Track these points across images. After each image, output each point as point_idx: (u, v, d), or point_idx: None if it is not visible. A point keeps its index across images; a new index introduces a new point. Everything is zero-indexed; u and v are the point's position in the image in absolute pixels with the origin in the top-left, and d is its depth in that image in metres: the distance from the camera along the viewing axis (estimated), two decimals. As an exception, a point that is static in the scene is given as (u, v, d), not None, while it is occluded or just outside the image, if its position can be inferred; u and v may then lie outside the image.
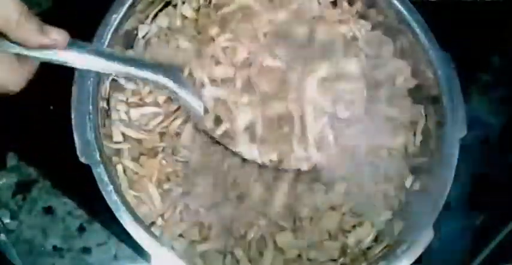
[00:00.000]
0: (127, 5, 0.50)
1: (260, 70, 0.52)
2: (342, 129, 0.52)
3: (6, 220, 0.54)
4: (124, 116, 0.52)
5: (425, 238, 0.48)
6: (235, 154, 0.51)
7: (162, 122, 0.52)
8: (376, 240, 0.52)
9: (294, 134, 0.51)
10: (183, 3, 0.56)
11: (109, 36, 0.49)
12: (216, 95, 0.51)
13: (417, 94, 0.55)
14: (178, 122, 0.52)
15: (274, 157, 0.51)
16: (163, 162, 0.51)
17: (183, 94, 0.47)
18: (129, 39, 0.54)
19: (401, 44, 0.56)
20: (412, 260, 0.47)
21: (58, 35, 0.36)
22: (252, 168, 0.51)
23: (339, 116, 0.52)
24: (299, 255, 0.51)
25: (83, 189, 0.51)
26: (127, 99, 0.52)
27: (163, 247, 0.44)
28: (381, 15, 0.56)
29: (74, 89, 0.47)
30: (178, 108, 0.52)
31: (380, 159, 0.53)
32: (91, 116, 0.46)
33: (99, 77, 0.48)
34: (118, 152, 0.51)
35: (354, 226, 0.52)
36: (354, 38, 0.57)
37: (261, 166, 0.51)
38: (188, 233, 0.50)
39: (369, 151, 0.53)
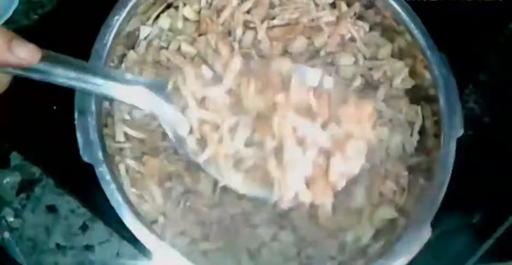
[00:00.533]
0: (129, 7, 0.50)
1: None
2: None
3: (10, 219, 0.54)
4: (126, 116, 0.52)
5: (423, 236, 0.48)
6: None
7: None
8: (374, 238, 0.52)
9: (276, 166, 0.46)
10: (185, 5, 0.56)
11: (111, 37, 0.49)
12: (201, 117, 0.47)
13: (414, 94, 0.56)
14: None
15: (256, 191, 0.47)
16: (165, 161, 0.51)
17: (162, 113, 0.46)
18: (131, 41, 0.55)
19: (399, 44, 0.56)
20: (410, 258, 0.48)
21: (26, 54, 0.36)
22: None
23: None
24: (298, 253, 0.51)
25: (86, 188, 0.52)
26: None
27: (164, 245, 0.45)
28: (378, 16, 0.57)
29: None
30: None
31: (377, 158, 0.54)
32: (94, 116, 0.47)
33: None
34: (120, 151, 0.51)
35: (352, 224, 0.52)
36: (352, 39, 0.57)
37: None
38: (189, 231, 0.50)
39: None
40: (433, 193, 0.50)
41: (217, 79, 0.47)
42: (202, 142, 0.46)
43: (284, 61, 0.48)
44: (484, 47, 0.66)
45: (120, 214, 0.45)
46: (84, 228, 0.54)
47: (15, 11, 0.60)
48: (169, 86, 0.47)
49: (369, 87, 0.56)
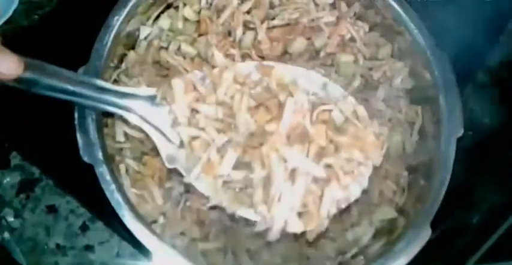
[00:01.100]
0: (129, 7, 0.50)
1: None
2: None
3: (10, 219, 0.54)
4: (127, 116, 0.52)
5: (422, 236, 0.48)
6: None
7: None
8: (374, 238, 0.52)
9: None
10: (185, 5, 0.56)
11: (111, 37, 0.49)
12: (191, 134, 0.47)
13: (414, 94, 0.56)
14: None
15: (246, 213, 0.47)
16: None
17: (148, 127, 0.46)
18: (131, 41, 0.55)
19: (399, 45, 0.56)
20: (410, 258, 0.48)
21: (6, 67, 0.37)
22: None
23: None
24: (298, 253, 0.51)
25: (86, 188, 0.52)
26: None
27: (164, 245, 0.45)
28: (378, 17, 0.57)
29: (77, 89, 0.47)
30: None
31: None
32: (94, 116, 0.47)
33: (102, 76, 0.49)
34: (120, 152, 0.51)
35: (352, 225, 0.52)
36: (352, 39, 0.57)
37: None
38: (189, 231, 0.50)
39: None
40: (433, 193, 0.50)
41: (210, 90, 0.47)
42: (193, 158, 0.46)
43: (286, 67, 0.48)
44: (484, 47, 0.66)
45: (120, 214, 0.45)
46: (84, 228, 0.55)
47: (15, 11, 0.60)
48: (158, 98, 0.47)
49: (369, 87, 0.56)
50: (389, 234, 0.51)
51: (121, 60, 0.54)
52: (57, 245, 0.54)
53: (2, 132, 0.56)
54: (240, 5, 0.56)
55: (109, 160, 0.46)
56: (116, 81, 0.53)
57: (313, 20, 0.57)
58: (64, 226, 0.54)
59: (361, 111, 0.50)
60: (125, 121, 0.52)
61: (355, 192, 0.47)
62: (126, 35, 0.52)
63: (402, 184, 0.54)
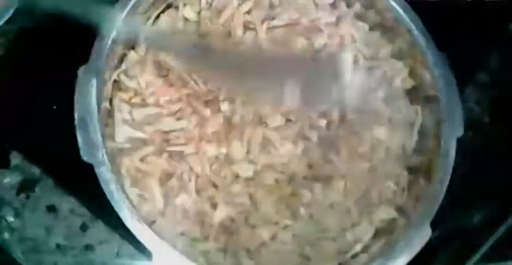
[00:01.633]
0: (129, 7, 0.50)
1: None
2: None
3: (10, 219, 0.54)
4: (127, 116, 0.52)
5: (423, 236, 0.48)
6: None
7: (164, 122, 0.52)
8: (374, 238, 0.52)
9: None
10: (185, 5, 0.56)
11: (111, 37, 0.49)
12: None
13: (414, 94, 0.56)
14: (180, 122, 0.52)
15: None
16: (166, 161, 0.51)
17: None
18: (131, 41, 0.55)
19: (399, 45, 0.56)
20: (410, 258, 0.48)
21: None
22: None
23: None
24: (298, 253, 0.51)
25: (86, 188, 0.51)
26: (130, 99, 0.53)
27: (164, 245, 0.45)
28: (378, 17, 0.57)
29: (77, 89, 0.47)
30: (180, 109, 0.52)
31: (377, 158, 0.54)
32: (94, 116, 0.47)
33: (102, 76, 0.49)
34: (121, 151, 0.51)
35: (352, 225, 0.53)
36: (352, 40, 0.57)
37: None
38: (190, 231, 0.50)
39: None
40: (433, 193, 0.50)
41: None
42: None
43: None
44: (484, 47, 0.66)
45: (120, 214, 0.45)
46: (84, 228, 0.55)
47: (15, 11, 0.60)
48: None
49: (369, 87, 0.56)
50: (389, 234, 0.51)
51: (121, 60, 0.54)
52: (57, 245, 0.54)
53: (2, 132, 0.56)
54: (240, 5, 0.56)
55: (109, 160, 0.46)
56: (115, 81, 0.53)
57: (313, 20, 0.57)
58: (64, 226, 0.54)
59: None
60: (125, 121, 0.52)
61: None
62: (126, 35, 0.52)
63: (402, 184, 0.54)
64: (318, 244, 0.51)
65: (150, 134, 0.51)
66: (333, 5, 0.58)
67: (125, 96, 0.52)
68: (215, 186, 0.52)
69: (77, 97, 0.47)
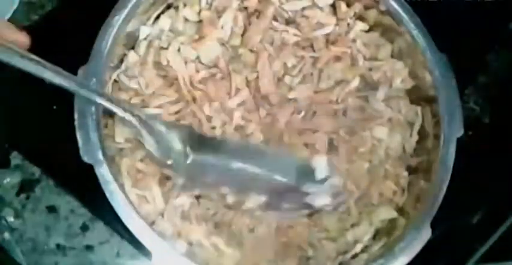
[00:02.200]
0: (129, 7, 0.50)
1: None
2: None
3: (10, 219, 0.54)
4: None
5: (422, 236, 0.48)
6: None
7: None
8: (374, 238, 0.52)
9: None
10: (185, 5, 0.56)
11: (111, 37, 0.49)
12: None
13: (414, 95, 0.56)
14: (180, 122, 0.52)
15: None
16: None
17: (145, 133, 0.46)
18: (131, 41, 0.55)
19: (399, 45, 0.56)
20: (410, 258, 0.48)
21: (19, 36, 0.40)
22: None
23: None
24: (298, 253, 0.51)
25: (86, 188, 0.52)
26: (130, 99, 0.53)
27: (164, 246, 0.45)
28: (378, 17, 0.57)
29: (77, 89, 0.47)
30: (180, 110, 0.52)
31: (377, 158, 0.54)
32: (94, 116, 0.47)
33: (102, 76, 0.49)
34: (121, 152, 0.51)
35: (352, 225, 0.53)
36: (352, 40, 0.57)
37: None
38: (189, 231, 0.50)
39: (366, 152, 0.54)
40: (433, 193, 0.50)
41: None
42: None
43: None
44: (484, 47, 0.66)
45: (120, 214, 0.45)
46: (84, 228, 0.55)
47: (15, 11, 0.60)
48: None
49: (369, 87, 0.56)
50: (389, 234, 0.51)
51: (121, 60, 0.54)
52: (57, 245, 0.54)
53: (2, 132, 0.56)
54: (241, 6, 0.56)
55: (109, 160, 0.46)
56: (115, 82, 0.53)
57: (313, 20, 0.57)
58: (64, 226, 0.54)
59: None
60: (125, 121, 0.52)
61: None
62: (126, 35, 0.52)
63: (402, 184, 0.54)
64: (318, 244, 0.51)
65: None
66: (333, 5, 0.58)
67: (125, 96, 0.52)
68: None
69: (76, 97, 0.47)
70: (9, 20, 0.59)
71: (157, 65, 0.53)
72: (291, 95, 0.54)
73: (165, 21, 0.56)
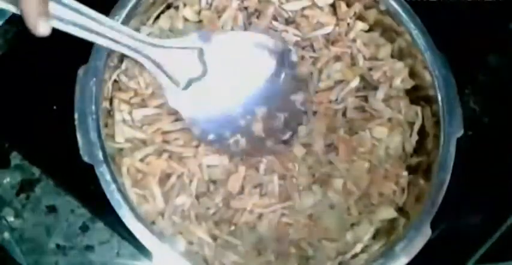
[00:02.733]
0: (129, 7, 0.50)
1: None
2: None
3: (10, 219, 0.54)
4: (127, 116, 0.52)
5: (423, 236, 0.48)
6: None
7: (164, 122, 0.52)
8: (374, 238, 0.52)
9: None
10: (185, 5, 0.56)
11: (111, 37, 0.49)
12: None
13: (414, 94, 0.56)
14: (180, 122, 0.52)
15: None
16: (166, 161, 0.51)
17: (154, 69, 0.47)
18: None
19: (399, 45, 0.56)
20: (410, 258, 0.48)
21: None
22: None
23: None
24: (298, 253, 0.51)
25: (86, 188, 0.52)
26: (130, 99, 0.53)
27: (165, 246, 0.45)
28: (378, 17, 0.57)
29: (77, 89, 0.47)
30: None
31: (377, 158, 0.54)
32: (94, 116, 0.47)
33: (102, 76, 0.49)
34: (121, 152, 0.51)
35: (352, 225, 0.53)
36: (352, 40, 0.57)
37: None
38: (189, 231, 0.50)
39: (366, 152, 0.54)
40: (433, 193, 0.50)
41: None
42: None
43: None
44: (484, 47, 0.66)
45: (120, 214, 0.45)
46: (84, 228, 0.55)
47: (15, 11, 0.60)
48: None
49: (369, 87, 0.56)
50: (389, 234, 0.51)
51: (121, 60, 0.54)
52: (57, 245, 0.54)
53: (2, 132, 0.56)
54: (241, 5, 0.56)
55: (109, 160, 0.46)
56: (115, 82, 0.53)
57: (313, 20, 0.57)
58: (64, 226, 0.54)
59: None
60: (125, 121, 0.52)
61: None
62: (126, 35, 0.52)
63: (402, 184, 0.54)
64: (318, 244, 0.51)
65: (150, 134, 0.51)
66: (333, 5, 0.58)
67: (124, 96, 0.53)
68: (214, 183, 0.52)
69: (77, 97, 0.47)
70: (9, 20, 0.60)
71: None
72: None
73: (165, 21, 0.56)
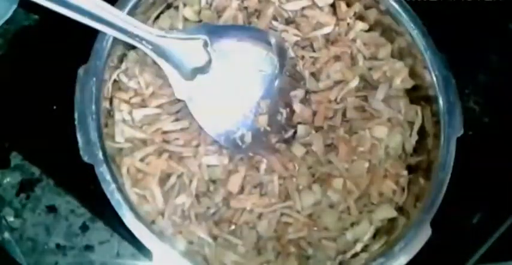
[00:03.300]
0: (129, 7, 0.50)
1: None
2: None
3: (10, 219, 0.54)
4: (127, 116, 0.52)
5: (423, 236, 0.48)
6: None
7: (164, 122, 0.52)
8: (374, 237, 0.52)
9: None
10: (185, 5, 0.56)
11: (111, 37, 0.49)
12: None
13: (414, 94, 0.56)
14: (180, 122, 0.52)
15: None
16: (167, 161, 0.51)
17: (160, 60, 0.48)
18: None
19: (399, 45, 0.56)
20: (410, 257, 0.48)
21: None
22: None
23: None
24: (298, 253, 0.51)
25: (86, 188, 0.52)
26: (130, 99, 0.53)
27: (165, 245, 0.45)
28: (378, 17, 0.57)
29: (77, 89, 0.48)
30: (180, 110, 0.52)
31: (377, 157, 0.54)
32: (94, 116, 0.47)
33: (102, 76, 0.49)
34: (121, 151, 0.51)
35: (352, 224, 0.53)
36: (352, 40, 0.57)
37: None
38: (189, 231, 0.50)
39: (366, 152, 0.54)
40: (433, 192, 0.50)
41: None
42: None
43: None
44: (484, 47, 0.66)
45: (120, 214, 0.45)
46: (84, 228, 0.55)
47: (15, 11, 0.60)
48: None
49: (369, 87, 0.56)
50: (389, 234, 0.51)
51: (121, 60, 0.54)
52: (57, 245, 0.54)
53: (2, 132, 0.56)
54: (241, 5, 0.56)
55: (109, 160, 0.46)
56: (115, 81, 0.53)
57: (312, 20, 0.57)
58: (64, 226, 0.54)
59: None
60: (125, 121, 0.52)
61: None
62: (126, 35, 0.52)
63: (402, 184, 0.54)
64: (318, 244, 0.51)
65: (150, 134, 0.51)
66: (333, 5, 0.58)
67: (124, 96, 0.53)
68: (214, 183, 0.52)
69: (77, 97, 0.47)
70: (9, 20, 0.60)
71: (157, 64, 0.53)
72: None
73: (165, 21, 0.56)
